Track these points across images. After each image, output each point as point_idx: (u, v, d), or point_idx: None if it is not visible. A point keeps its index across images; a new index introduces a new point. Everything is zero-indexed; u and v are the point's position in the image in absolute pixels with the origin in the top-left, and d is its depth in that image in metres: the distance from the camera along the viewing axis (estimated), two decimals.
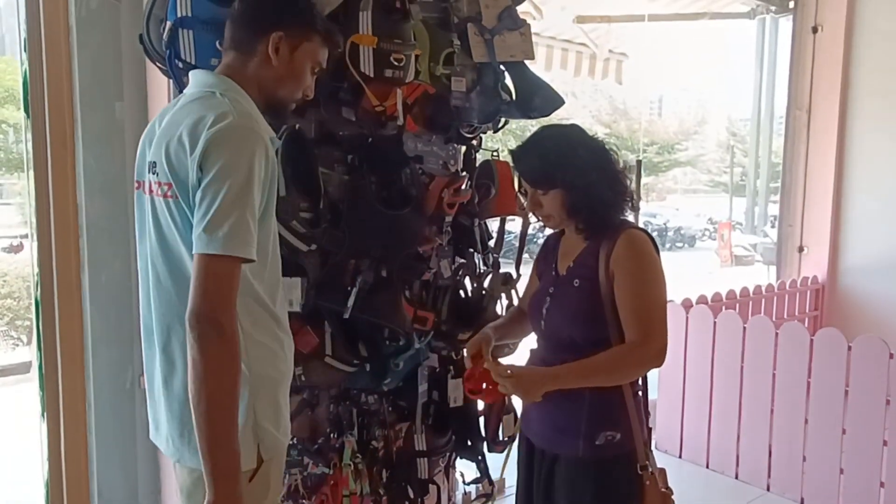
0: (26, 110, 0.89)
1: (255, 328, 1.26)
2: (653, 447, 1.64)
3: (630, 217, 1.59)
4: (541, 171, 1.52)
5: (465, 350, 1.77)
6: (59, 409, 0.91)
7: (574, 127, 1.61)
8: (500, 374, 1.46)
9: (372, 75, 1.75)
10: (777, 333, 3.04)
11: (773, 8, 4.45)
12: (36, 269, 2.03)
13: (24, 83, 0.89)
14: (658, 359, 1.47)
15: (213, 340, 1.12)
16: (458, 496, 2.47)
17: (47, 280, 0.89)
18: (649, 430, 1.58)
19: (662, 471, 1.55)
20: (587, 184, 1.49)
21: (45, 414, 0.93)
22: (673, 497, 1.54)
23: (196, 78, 1.33)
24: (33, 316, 1.46)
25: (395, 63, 1.77)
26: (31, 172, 0.88)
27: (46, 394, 0.92)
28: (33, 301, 1.08)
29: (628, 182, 1.55)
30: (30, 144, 1.91)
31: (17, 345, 5.11)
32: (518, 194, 1.66)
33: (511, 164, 1.63)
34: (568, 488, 1.53)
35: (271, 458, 1.31)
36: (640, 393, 1.57)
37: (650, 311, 1.46)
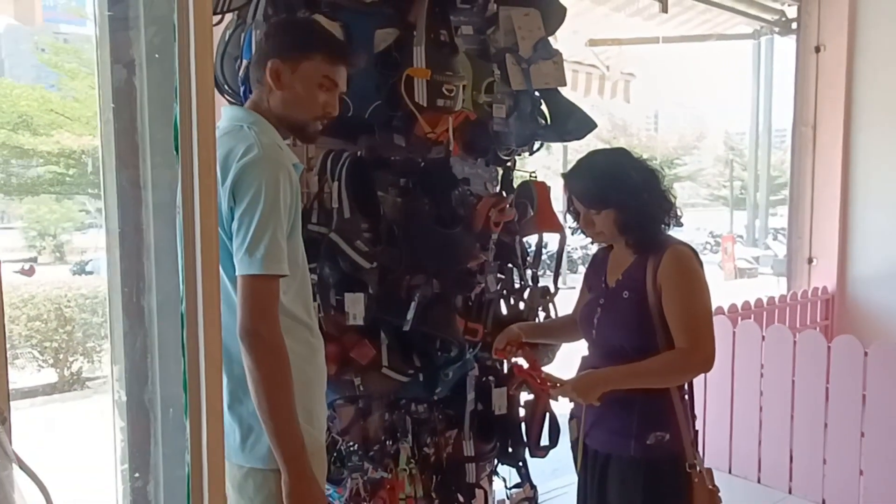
0: (176, 149, 1.02)
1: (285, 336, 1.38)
2: None
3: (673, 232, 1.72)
4: (595, 193, 1.66)
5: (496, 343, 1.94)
6: (202, 410, 1.03)
7: (622, 150, 1.74)
8: (558, 383, 1.60)
9: (425, 105, 1.89)
10: (795, 342, 3.16)
11: (776, 29, 4.62)
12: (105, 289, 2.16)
13: (175, 128, 1.02)
14: (705, 364, 1.59)
15: (260, 350, 1.29)
16: (495, 501, 2.57)
17: (191, 293, 1.02)
18: (696, 431, 1.70)
19: (709, 470, 1.67)
20: (638, 203, 1.62)
21: (188, 414, 1.05)
22: (720, 495, 1.66)
23: (227, 113, 1.49)
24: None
25: (447, 93, 1.91)
26: (180, 209, 1.02)
27: (189, 396, 1.04)
28: (178, 318, 1.21)
29: (673, 200, 1.68)
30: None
31: (42, 367, 5.20)
32: (567, 213, 1.79)
33: (564, 184, 1.76)
34: (620, 486, 1.64)
35: (312, 453, 1.42)
36: (686, 397, 1.69)
37: (698, 321, 1.59)
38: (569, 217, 1.82)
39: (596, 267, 1.81)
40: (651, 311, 1.62)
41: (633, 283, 1.66)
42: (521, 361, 1.99)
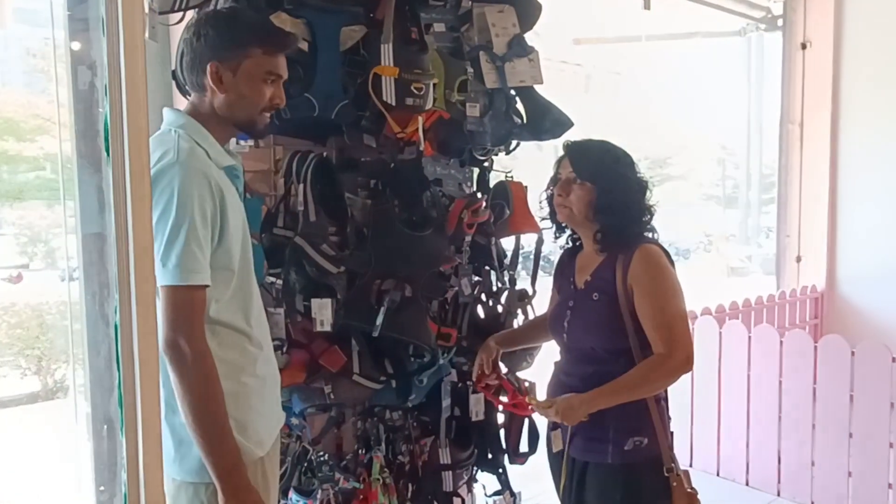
0: (107, 150, 0.97)
1: (214, 345, 1.33)
2: None
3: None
4: (587, 162, 1.64)
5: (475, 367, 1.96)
6: (137, 423, 0.98)
7: (630, 155, 1.72)
8: (544, 407, 1.60)
9: (394, 104, 1.83)
10: (782, 342, 3.12)
11: (762, 26, 4.59)
12: (79, 296, 2.12)
13: (106, 126, 0.97)
14: (685, 366, 1.55)
15: (182, 363, 1.25)
16: None
17: (126, 302, 0.97)
18: (671, 433, 1.66)
19: (686, 472, 1.63)
20: (622, 194, 1.61)
21: (124, 428, 1.00)
22: (699, 497, 1.62)
23: (164, 116, 1.45)
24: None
25: (416, 92, 1.86)
26: (112, 202, 0.97)
27: (125, 412, 0.99)
28: (102, 323, 1.16)
29: (652, 213, 1.67)
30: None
31: (26, 374, 5.11)
32: (548, 188, 1.78)
33: (563, 151, 1.75)
34: (599, 493, 1.61)
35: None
36: (662, 401, 1.65)
37: (672, 323, 1.55)
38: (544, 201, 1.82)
39: (563, 269, 1.78)
40: (622, 312, 1.58)
41: (602, 283, 1.62)
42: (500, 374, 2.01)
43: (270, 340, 1.51)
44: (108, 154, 0.97)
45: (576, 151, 1.69)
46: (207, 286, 1.29)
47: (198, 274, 1.27)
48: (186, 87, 1.77)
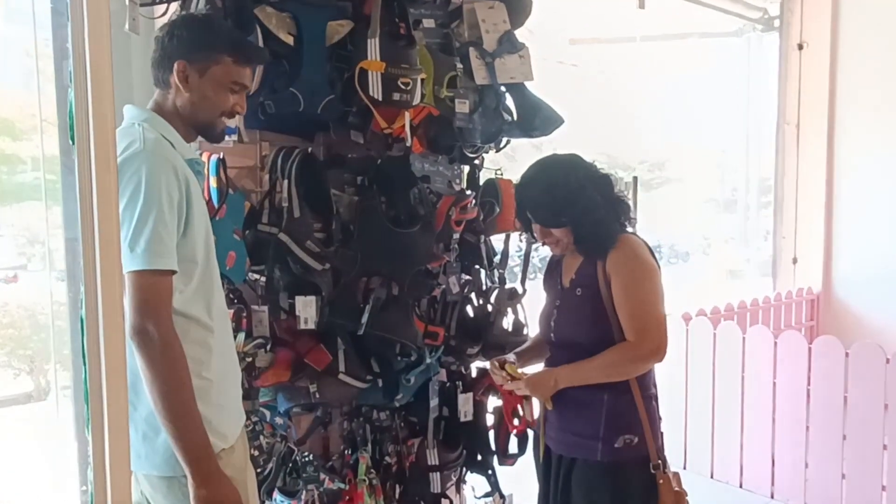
0: (72, 139, 0.95)
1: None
2: None
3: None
4: (550, 214, 1.64)
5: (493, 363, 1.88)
6: (104, 423, 0.95)
7: (573, 161, 1.68)
8: (515, 375, 1.63)
9: (380, 99, 1.81)
10: (776, 343, 3.09)
11: (759, 27, 4.57)
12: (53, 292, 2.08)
13: (70, 114, 0.95)
14: (653, 357, 1.55)
15: (151, 349, 1.25)
16: None
17: (92, 298, 0.94)
18: (661, 434, 1.64)
19: (676, 474, 1.62)
20: (594, 220, 1.60)
21: (90, 427, 0.97)
22: (687, 498, 1.60)
23: (126, 112, 1.46)
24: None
25: (403, 87, 1.83)
26: (77, 195, 0.94)
27: (91, 407, 0.96)
28: (79, 322, 1.14)
29: (628, 199, 1.64)
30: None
31: (18, 374, 5.08)
32: (518, 219, 1.76)
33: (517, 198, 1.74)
34: (585, 491, 1.59)
35: None
36: (653, 399, 1.63)
37: (644, 312, 1.55)
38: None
39: (552, 271, 1.79)
40: (605, 304, 1.59)
41: (585, 279, 1.64)
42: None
43: (232, 336, 1.51)
44: (73, 143, 0.95)
45: (531, 208, 1.67)
46: (175, 272, 1.29)
47: (165, 259, 1.27)
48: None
